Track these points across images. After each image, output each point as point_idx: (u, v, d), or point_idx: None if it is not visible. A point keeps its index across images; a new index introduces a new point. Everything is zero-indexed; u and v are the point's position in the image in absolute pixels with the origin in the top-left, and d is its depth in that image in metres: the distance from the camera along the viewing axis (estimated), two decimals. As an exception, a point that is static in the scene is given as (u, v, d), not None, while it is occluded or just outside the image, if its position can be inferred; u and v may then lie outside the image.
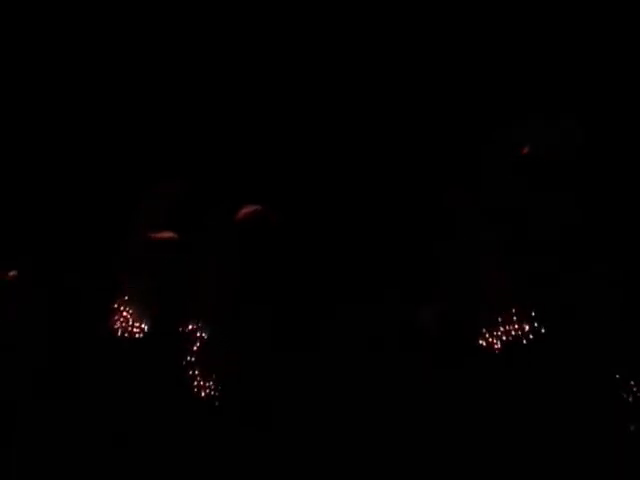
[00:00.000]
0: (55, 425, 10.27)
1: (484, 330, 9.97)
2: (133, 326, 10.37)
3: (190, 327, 10.31)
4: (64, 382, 10.37)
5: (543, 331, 9.84)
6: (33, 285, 10.64)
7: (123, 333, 10.35)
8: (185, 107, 10.81)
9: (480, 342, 9.98)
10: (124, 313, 10.38)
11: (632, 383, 9.62)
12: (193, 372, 10.27)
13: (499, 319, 9.95)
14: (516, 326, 9.87)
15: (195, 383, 10.26)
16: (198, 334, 10.31)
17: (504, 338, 9.89)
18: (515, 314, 9.91)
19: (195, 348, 10.30)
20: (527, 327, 9.85)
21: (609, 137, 10.35)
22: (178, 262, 10.64)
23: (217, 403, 10.21)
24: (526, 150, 10.32)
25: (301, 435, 10.15)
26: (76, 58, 10.72)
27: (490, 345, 9.94)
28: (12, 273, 10.60)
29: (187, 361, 10.30)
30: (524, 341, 9.80)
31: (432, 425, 10.09)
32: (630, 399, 9.61)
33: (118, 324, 10.36)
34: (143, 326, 10.41)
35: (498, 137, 10.52)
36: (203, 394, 10.20)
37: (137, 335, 10.37)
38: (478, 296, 10.22)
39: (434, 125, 10.75)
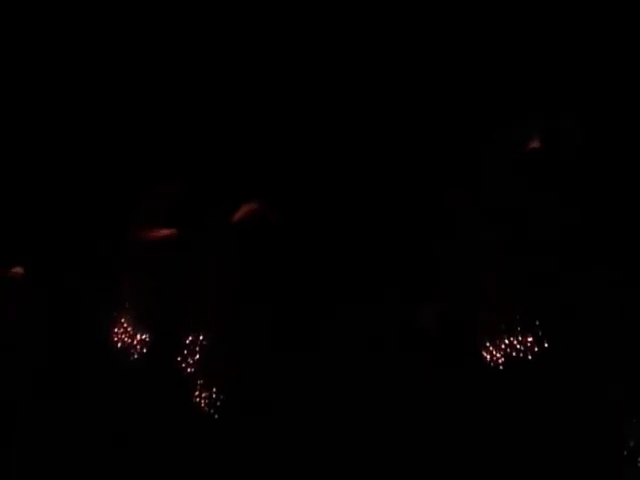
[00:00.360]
0: (55, 425, 10.27)
1: (487, 343, 9.95)
2: (134, 338, 10.36)
3: (191, 337, 10.29)
4: (64, 382, 10.37)
5: (544, 333, 9.83)
6: (33, 285, 10.63)
7: (123, 346, 10.34)
8: (184, 107, 10.82)
9: (484, 355, 9.97)
10: (124, 326, 10.37)
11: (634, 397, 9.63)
12: (194, 379, 10.25)
13: (501, 324, 9.93)
14: (519, 337, 9.85)
15: (197, 392, 10.25)
16: (198, 341, 10.28)
17: (508, 350, 9.88)
18: (515, 317, 9.90)
19: (196, 357, 10.27)
20: (530, 337, 9.84)
21: (609, 137, 10.35)
22: (178, 262, 10.63)
23: (217, 412, 10.17)
24: (534, 144, 10.31)
25: (301, 435, 10.15)
26: (75, 58, 10.73)
27: (493, 358, 9.94)
28: (17, 269, 10.60)
29: (188, 367, 10.28)
30: (529, 356, 9.81)
31: (432, 425, 10.08)
32: (631, 412, 9.61)
33: (118, 337, 10.35)
34: (144, 337, 10.39)
35: (498, 137, 10.51)
36: (203, 403, 10.19)
37: (138, 349, 10.36)
38: (478, 296, 10.21)
39: (434, 125, 10.75)
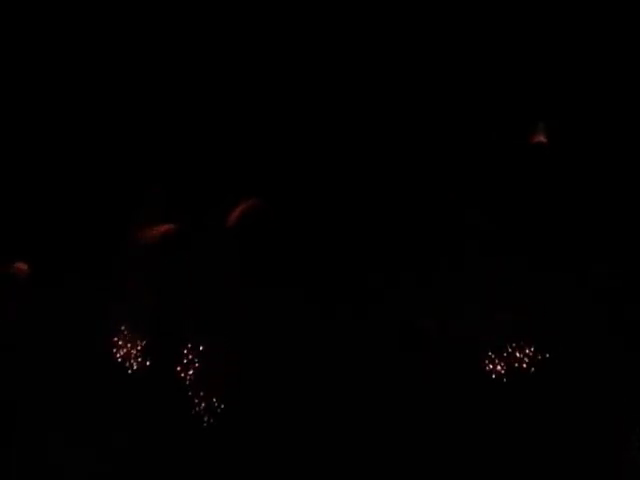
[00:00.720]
0: (55, 425, 10.28)
1: (490, 354, 9.97)
2: (134, 346, 10.37)
3: (190, 344, 10.30)
4: (64, 382, 10.37)
5: (546, 343, 9.85)
6: (33, 285, 10.64)
7: (124, 362, 10.36)
8: (185, 109, 10.83)
9: (486, 366, 9.97)
10: (123, 334, 10.38)
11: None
12: (194, 384, 10.25)
13: (503, 335, 9.95)
14: (522, 348, 9.87)
15: (196, 398, 10.25)
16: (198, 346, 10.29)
17: (510, 359, 9.89)
18: (517, 327, 9.92)
19: (196, 360, 10.28)
20: (530, 350, 9.87)
21: (610, 137, 10.37)
22: (178, 262, 10.65)
23: (217, 419, 10.18)
24: (540, 139, 10.30)
25: (301, 436, 10.14)
26: (76, 60, 10.75)
27: (495, 370, 9.95)
28: (21, 265, 10.59)
29: (187, 372, 10.29)
30: (531, 367, 9.83)
31: (432, 425, 10.09)
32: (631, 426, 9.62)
33: (119, 354, 10.37)
34: (142, 344, 10.39)
35: (498, 136, 10.52)
36: (203, 409, 10.19)
37: (138, 362, 10.37)
38: (478, 296, 10.23)
39: (434, 125, 10.75)
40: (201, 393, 10.22)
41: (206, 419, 10.17)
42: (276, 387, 10.29)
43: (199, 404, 10.19)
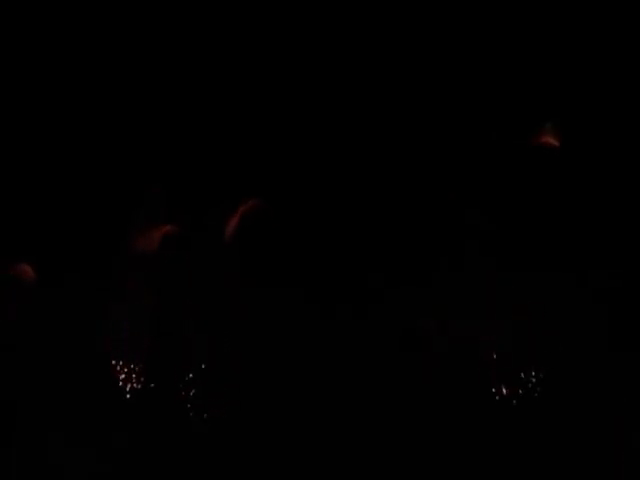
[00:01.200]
0: (55, 425, 10.28)
1: (495, 374, 9.99)
2: (134, 372, 10.40)
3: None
4: (64, 382, 10.38)
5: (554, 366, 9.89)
6: (33, 285, 10.64)
7: (126, 385, 10.38)
8: (185, 109, 10.85)
9: (492, 389, 9.99)
10: (124, 364, 10.41)
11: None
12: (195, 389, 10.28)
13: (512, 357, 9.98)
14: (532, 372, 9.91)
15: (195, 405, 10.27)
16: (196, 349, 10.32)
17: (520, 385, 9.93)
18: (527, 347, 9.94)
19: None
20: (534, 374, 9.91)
21: (610, 137, 10.37)
22: (177, 262, 10.66)
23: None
24: (546, 139, 10.31)
25: (300, 435, 10.14)
26: (76, 57, 10.78)
27: (500, 392, 9.97)
28: (25, 267, 10.60)
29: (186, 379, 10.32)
30: (536, 390, 9.85)
31: (432, 426, 10.09)
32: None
33: (121, 377, 10.39)
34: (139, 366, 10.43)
35: (498, 136, 10.53)
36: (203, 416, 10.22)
37: (140, 385, 10.40)
38: (478, 296, 10.24)
39: (433, 124, 10.76)
40: (202, 393, 10.26)
41: (206, 419, 10.18)
42: (275, 385, 10.30)
43: (200, 406, 10.22)
